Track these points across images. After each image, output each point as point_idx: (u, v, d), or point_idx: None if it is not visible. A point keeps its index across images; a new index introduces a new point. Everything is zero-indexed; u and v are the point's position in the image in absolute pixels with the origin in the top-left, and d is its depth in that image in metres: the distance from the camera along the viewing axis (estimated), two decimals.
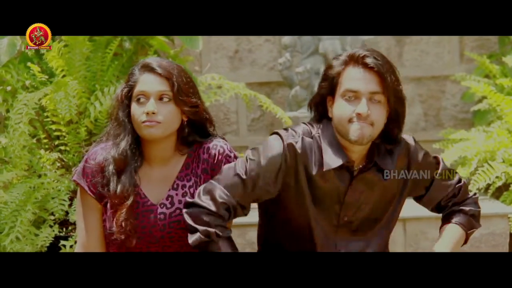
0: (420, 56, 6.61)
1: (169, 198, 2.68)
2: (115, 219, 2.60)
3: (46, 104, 4.83)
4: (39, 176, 4.82)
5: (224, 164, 2.69)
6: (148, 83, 2.62)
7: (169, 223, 2.66)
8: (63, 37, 4.95)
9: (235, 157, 2.73)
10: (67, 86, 4.71)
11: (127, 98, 2.64)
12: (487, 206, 5.28)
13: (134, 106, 2.62)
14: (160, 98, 2.63)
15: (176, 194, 2.68)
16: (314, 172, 2.57)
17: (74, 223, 4.52)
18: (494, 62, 6.19)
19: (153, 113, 2.59)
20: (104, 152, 2.67)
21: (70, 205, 4.64)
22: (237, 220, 4.98)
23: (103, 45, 5.18)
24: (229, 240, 2.54)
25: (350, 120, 2.58)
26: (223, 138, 2.77)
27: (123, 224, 2.59)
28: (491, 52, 6.42)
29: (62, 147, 4.97)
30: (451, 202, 2.90)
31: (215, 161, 2.70)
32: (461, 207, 2.89)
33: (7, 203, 4.53)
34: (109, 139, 2.70)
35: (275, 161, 2.56)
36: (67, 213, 4.73)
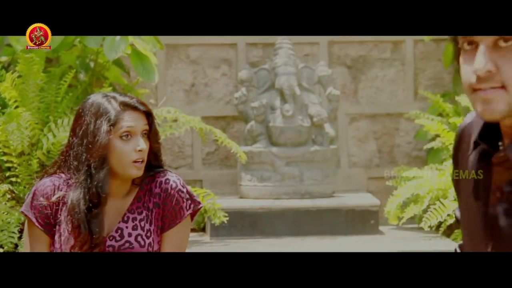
0: (375, 93, 6.66)
1: (119, 231, 2.66)
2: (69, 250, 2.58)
3: None
4: None
5: (176, 199, 2.67)
6: (134, 120, 2.62)
7: None
8: (17, 68, 4.92)
9: (188, 192, 2.71)
10: (19, 117, 4.67)
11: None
12: (438, 243, 5.31)
13: (119, 144, 2.60)
14: (142, 135, 2.64)
15: (126, 227, 2.66)
16: None
17: None
18: (447, 101, 6.26)
19: (144, 150, 2.61)
20: (53, 186, 2.63)
21: (19, 238, 4.58)
22: None
23: (57, 76, 5.15)
24: None
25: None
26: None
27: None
28: (445, 91, 6.50)
29: (13, 179, 4.92)
30: None
31: (167, 195, 2.68)
32: None
33: None
34: (61, 171, 2.66)
35: None
36: (16, 245, 4.67)
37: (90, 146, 2.60)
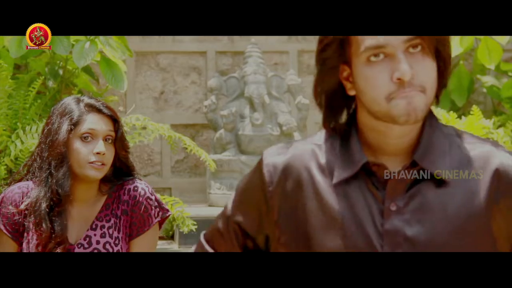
0: None
1: (87, 238, 2.66)
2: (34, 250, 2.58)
3: None
4: None
5: (145, 206, 2.68)
6: (97, 122, 2.62)
7: None
8: None
9: (156, 200, 2.71)
10: None
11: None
12: None
13: (78, 145, 2.60)
14: (105, 139, 2.63)
15: (95, 235, 2.66)
16: None
17: None
18: None
19: (103, 154, 2.59)
20: (21, 193, 2.63)
21: None
22: None
23: (26, 83, 5.13)
24: None
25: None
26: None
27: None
28: None
29: None
30: None
31: (136, 202, 2.69)
32: None
33: None
34: (30, 177, 2.66)
35: None
36: None
37: (51, 143, 2.62)
